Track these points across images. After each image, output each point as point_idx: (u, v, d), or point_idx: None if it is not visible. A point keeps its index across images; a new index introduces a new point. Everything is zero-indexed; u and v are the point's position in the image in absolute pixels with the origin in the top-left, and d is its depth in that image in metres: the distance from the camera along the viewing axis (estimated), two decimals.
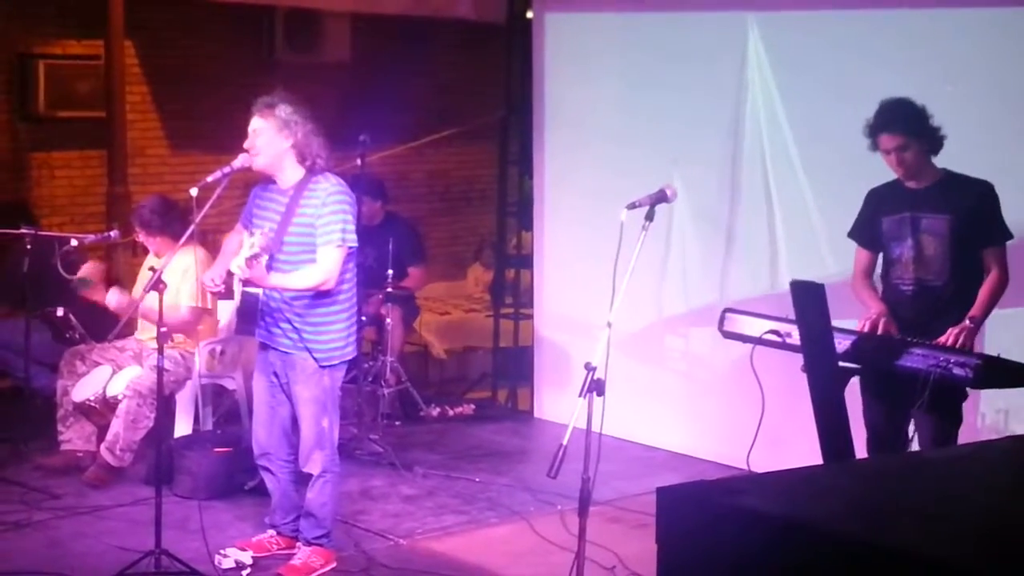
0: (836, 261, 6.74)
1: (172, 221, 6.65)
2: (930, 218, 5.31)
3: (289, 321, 5.35)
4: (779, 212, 6.96)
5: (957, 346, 5.06)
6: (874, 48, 6.52)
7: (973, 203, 5.27)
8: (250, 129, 5.34)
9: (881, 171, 5.49)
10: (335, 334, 5.38)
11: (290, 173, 5.35)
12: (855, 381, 5.39)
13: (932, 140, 5.31)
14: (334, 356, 5.40)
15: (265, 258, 5.15)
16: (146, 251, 7.02)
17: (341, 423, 5.65)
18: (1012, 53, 6.08)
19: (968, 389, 5.22)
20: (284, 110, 5.29)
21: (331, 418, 5.45)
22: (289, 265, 5.29)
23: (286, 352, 5.40)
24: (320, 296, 5.32)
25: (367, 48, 9.91)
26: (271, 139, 5.30)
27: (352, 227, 5.30)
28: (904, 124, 5.27)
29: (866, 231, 5.54)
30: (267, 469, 5.62)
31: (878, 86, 6.51)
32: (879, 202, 5.50)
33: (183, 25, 9.29)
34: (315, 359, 5.35)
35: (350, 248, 5.30)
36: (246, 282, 5.32)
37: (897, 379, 5.13)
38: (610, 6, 7.74)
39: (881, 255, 5.52)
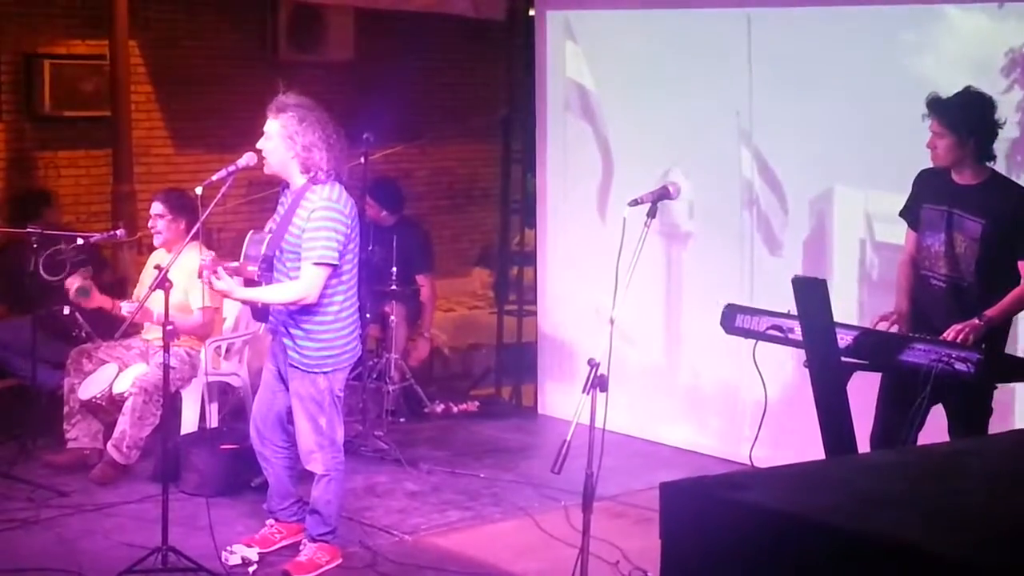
0: (840, 258, 6.75)
1: (190, 210, 6.68)
2: (965, 218, 5.19)
3: (285, 325, 5.39)
4: (782, 208, 6.95)
5: (960, 342, 5.01)
6: (878, 44, 6.53)
7: (1011, 209, 5.15)
8: (264, 130, 5.36)
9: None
10: (324, 343, 5.38)
11: (296, 179, 5.36)
12: (860, 376, 5.38)
13: (972, 140, 5.14)
14: (325, 363, 5.39)
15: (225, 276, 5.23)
16: (151, 248, 7.05)
17: (346, 420, 5.67)
18: None
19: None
20: (292, 119, 5.27)
21: (330, 418, 5.44)
22: (286, 269, 5.33)
23: (285, 353, 5.44)
24: (313, 306, 5.32)
25: (370, 47, 9.93)
26: (276, 146, 5.31)
27: (333, 245, 5.23)
28: (945, 113, 5.13)
29: (912, 214, 5.45)
30: (262, 454, 5.65)
31: (883, 82, 6.54)
32: (923, 187, 5.39)
33: (187, 24, 9.31)
34: (306, 365, 5.38)
35: (332, 266, 5.26)
36: (246, 281, 5.37)
37: (904, 375, 5.11)
38: (612, 3, 7.75)
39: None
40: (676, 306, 7.47)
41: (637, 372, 7.48)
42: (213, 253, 5.32)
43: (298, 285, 5.26)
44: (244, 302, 5.44)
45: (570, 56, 7.92)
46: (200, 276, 5.30)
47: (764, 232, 7.02)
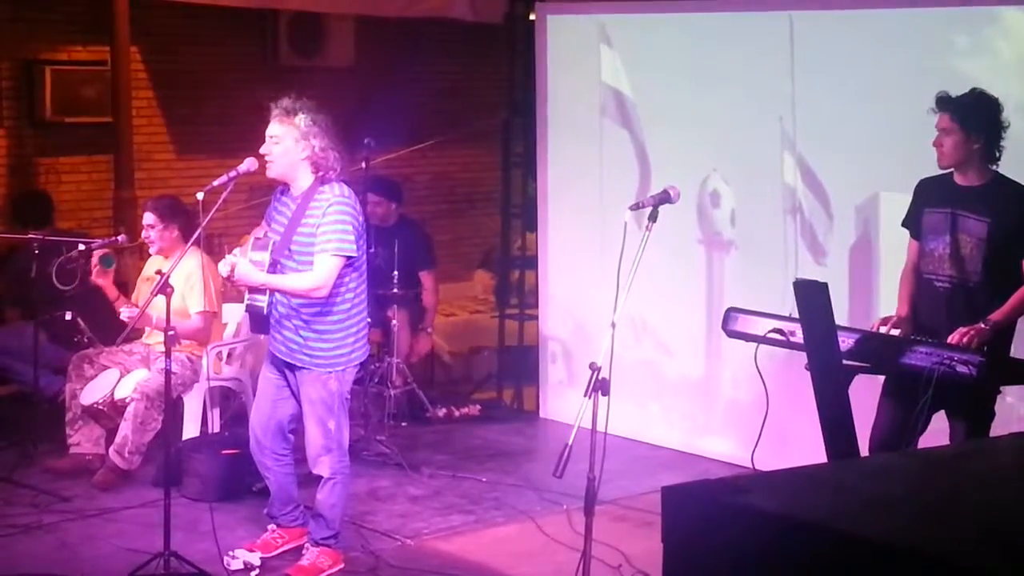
0: (887, 266, 6.57)
1: (182, 216, 6.69)
2: (970, 218, 5.20)
3: (295, 329, 5.38)
4: (826, 215, 6.81)
5: (963, 346, 4.99)
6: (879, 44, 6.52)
7: (1016, 207, 5.16)
8: (268, 134, 5.35)
9: (920, 172, 5.42)
10: (339, 341, 5.39)
11: (302, 181, 5.37)
12: (862, 379, 5.38)
13: (980, 138, 5.16)
14: (338, 362, 5.41)
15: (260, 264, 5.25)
16: (151, 254, 7.05)
17: (349, 424, 5.67)
18: None
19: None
20: (304, 120, 5.28)
21: (339, 421, 5.46)
22: (295, 272, 5.33)
23: (293, 357, 5.43)
24: (326, 304, 5.33)
25: (371, 52, 9.94)
26: (288, 149, 5.31)
27: (350, 237, 5.27)
28: (955, 108, 5.15)
29: (913, 221, 5.45)
30: (262, 463, 5.65)
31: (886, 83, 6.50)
32: (925, 194, 5.40)
33: (188, 31, 9.32)
34: (319, 364, 5.39)
35: (348, 258, 5.29)
36: (250, 291, 5.37)
37: (906, 378, 5.10)
38: (612, 7, 7.74)
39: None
40: (717, 316, 7.30)
41: (677, 383, 7.43)
42: (252, 238, 5.34)
43: (314, 275, 5.26)
44: (252, 290, 5.37)
45: (570, 59, 7.90)
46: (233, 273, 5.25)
47: (808, 240, 6.86)
